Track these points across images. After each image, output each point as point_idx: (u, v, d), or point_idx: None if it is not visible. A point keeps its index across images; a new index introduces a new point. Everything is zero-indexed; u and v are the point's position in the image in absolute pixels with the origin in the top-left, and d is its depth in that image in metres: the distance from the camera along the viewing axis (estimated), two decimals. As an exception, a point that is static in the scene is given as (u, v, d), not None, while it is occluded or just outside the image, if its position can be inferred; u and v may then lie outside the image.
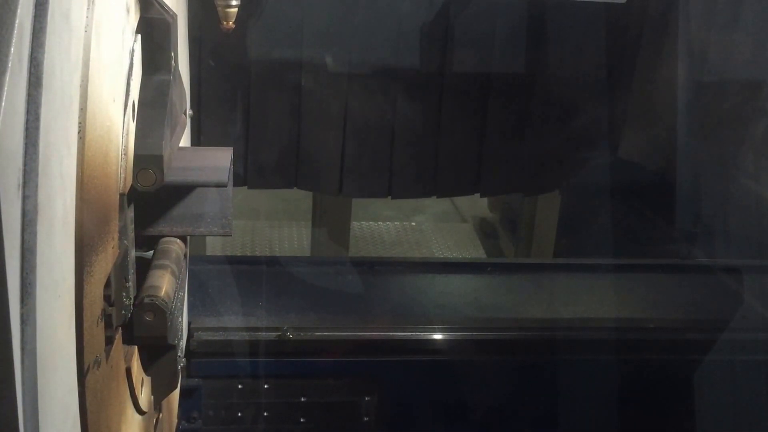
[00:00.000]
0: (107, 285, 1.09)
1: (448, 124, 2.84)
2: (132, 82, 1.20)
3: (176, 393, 1.99)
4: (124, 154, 1.17)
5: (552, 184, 3.10)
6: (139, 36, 1.25)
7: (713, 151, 2.34)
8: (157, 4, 1.26)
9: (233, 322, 2.26)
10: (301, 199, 3.77)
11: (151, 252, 1.45)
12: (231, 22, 1.54)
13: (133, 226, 1.30)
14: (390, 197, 2.95)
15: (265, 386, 2.28)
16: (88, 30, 0.94)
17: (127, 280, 1.23)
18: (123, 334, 1.23)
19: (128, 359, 1.29)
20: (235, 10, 1.52)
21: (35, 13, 0.77)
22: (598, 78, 2.77)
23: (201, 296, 2.34)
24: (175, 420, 1.96)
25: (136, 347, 1.35)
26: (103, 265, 1.07)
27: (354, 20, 2.68)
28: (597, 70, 2.77)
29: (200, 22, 2.41)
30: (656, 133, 2.65)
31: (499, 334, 2.36)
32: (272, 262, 2.63)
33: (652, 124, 2.64)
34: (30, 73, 0.75)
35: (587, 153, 2.86)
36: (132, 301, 1.26)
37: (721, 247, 2.51)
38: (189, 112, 1.92)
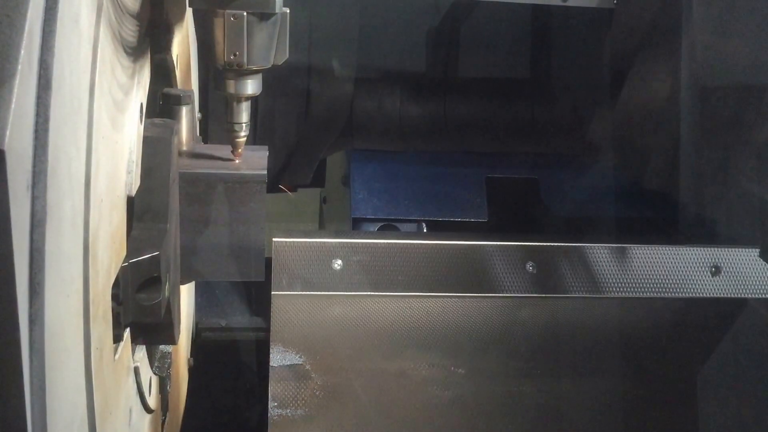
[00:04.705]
0: (116, 284, 1.10)
1: (454, 129, 2.83)
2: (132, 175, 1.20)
3: (183, 394, 1.99)
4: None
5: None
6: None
7: (714, 158, 2.30)
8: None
9: (240, 323, 2.26)
10: (308, 201, 3.77)
11: None
12: (240, 150, 1.51)
13: None
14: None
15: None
16: (96, 34, 0.94)
17: None
18: (131, 332, 1.24)
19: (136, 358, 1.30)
20: (244, 139, 1.49)
21: (45, 17, 0.78)
22: (595, 85, 2.74)
23: (208, 297, 2.34)
24: (180, 421, 1.97)
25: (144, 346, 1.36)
26: (112, 264, 1.08)
27: (362, 24, 2.68)
28: (590, 76, 2.75)
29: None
30: (656, 140, 2.60)
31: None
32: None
33: (652, 131, 2.59)
34: (39, 76, 0.76)
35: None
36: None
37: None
38: (198, 114, 1.93)
